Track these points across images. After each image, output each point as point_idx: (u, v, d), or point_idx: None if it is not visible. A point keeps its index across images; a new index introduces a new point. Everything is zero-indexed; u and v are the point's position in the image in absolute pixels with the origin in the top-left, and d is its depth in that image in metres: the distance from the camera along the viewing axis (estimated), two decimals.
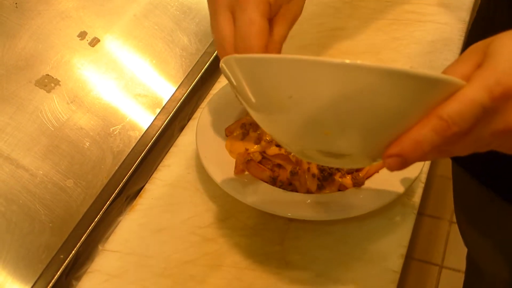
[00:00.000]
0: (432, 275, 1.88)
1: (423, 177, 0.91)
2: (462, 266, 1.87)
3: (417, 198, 0.88)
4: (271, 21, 0.70)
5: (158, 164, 0.95)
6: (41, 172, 0.87)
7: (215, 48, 1.12)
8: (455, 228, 1.99)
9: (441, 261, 1.91)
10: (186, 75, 1.07)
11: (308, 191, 0.83)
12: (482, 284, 1.13)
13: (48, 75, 0.96)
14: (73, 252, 0.82)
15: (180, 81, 1.06)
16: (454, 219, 2.00)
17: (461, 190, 1.05)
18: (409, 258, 1.91)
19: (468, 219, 1.05)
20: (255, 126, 0.88)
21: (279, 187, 0.85)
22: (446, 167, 2.13)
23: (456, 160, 1.01)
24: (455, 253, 1.92)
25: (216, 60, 1.12)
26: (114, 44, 1.05)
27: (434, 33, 1.17)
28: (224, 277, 0.79)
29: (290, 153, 0.83)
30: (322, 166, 0.84)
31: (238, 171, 0.85)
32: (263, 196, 0.83)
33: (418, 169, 0.85)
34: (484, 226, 1.00)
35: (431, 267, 1.90)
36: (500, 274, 1.02)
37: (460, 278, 1.80)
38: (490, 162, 0.86)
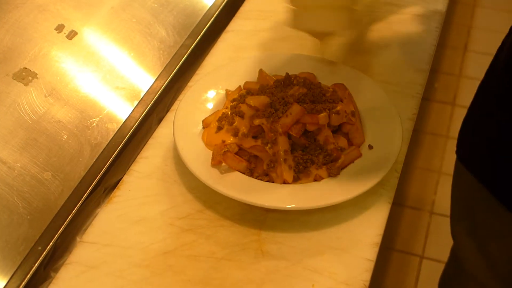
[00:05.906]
0: (413, 266, 1.90)
1: (398, 167, 0.92)
2: (443, 256, 1.88)
3: (391, 187, 0.89)
4: None
5: (136, 156, 0.95)
6: (19, 165, 0.87)
7: (193, 41, 1.13)
8: (436, 219, 2.00)
9: (421, 251, 1.92)
10: (164, 67, 1.07)
11: (285, 182, 0.84)
12: (460, 278, 1.13)
13: (26, 68, 0.96)
14: (51, 243, 0.83)
15: (158, 73, 1.06)
16: (435, 210, 2.03)
17: (461, 185, 1.01)
18: (390, 249, 1.93)
19: (461, 215, 1.04)
20: (231, 119, 0.88)
21: (256, 178, 0.85)
22: (426, 159, 2.15)
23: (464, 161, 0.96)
24: (436, 243, 1.94)
25: (194, 52, 1.12)
26: (91, 37, 1.05)
27: (411, 25, 1.18)
28: (201, 267, 0.80)
29: (267, 145, 0.84)
30: (298, 158, 0.85)
31: (215, 162, 0.86)
32: (240, 187, 0.84)
33: (393, 159, 0.86)
34: (476, 228, 0.99)
35: (412, 257, 1.92)
36: (479, 276, 1.01)
37: (441, 268, 1.82)
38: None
